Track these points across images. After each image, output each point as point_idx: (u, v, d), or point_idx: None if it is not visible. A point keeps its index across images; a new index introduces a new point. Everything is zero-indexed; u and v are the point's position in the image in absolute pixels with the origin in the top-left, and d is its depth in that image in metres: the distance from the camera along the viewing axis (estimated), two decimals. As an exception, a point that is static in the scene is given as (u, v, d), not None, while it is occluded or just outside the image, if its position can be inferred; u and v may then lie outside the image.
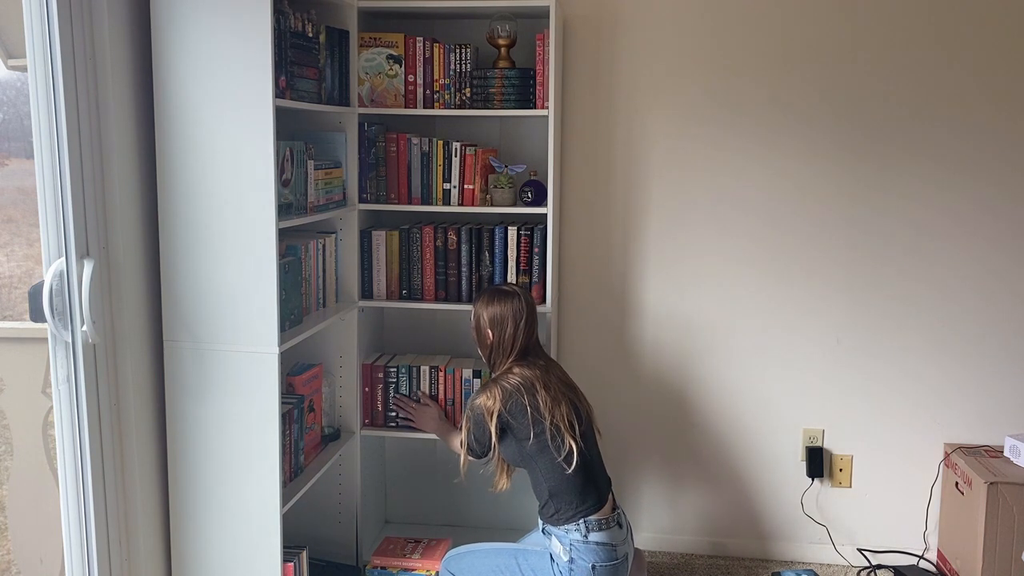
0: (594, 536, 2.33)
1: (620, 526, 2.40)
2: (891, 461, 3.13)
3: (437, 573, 2.83)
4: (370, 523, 3.14)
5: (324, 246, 2.77)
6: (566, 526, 2.35)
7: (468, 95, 2.85)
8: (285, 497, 2.41)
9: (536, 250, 2.87)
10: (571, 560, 2.32)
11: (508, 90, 2.81)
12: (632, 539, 2.47)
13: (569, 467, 2.34)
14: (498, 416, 2.38)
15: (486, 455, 2.49)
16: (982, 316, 3.03)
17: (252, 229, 2.27)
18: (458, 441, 2.61)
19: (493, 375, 2.51)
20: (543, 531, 2.45)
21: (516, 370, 2.44)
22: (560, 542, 2.36)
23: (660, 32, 3.03)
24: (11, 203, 2.51)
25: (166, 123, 2.26)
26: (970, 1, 2.89)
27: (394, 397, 2.95)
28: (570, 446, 2.34)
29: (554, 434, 2.35)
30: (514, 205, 2.89)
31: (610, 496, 2.45)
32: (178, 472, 2.37)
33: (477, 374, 2.92)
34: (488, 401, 2.40)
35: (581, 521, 2.34)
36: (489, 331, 2.51)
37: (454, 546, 2.65)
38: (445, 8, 2.87)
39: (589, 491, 2.37)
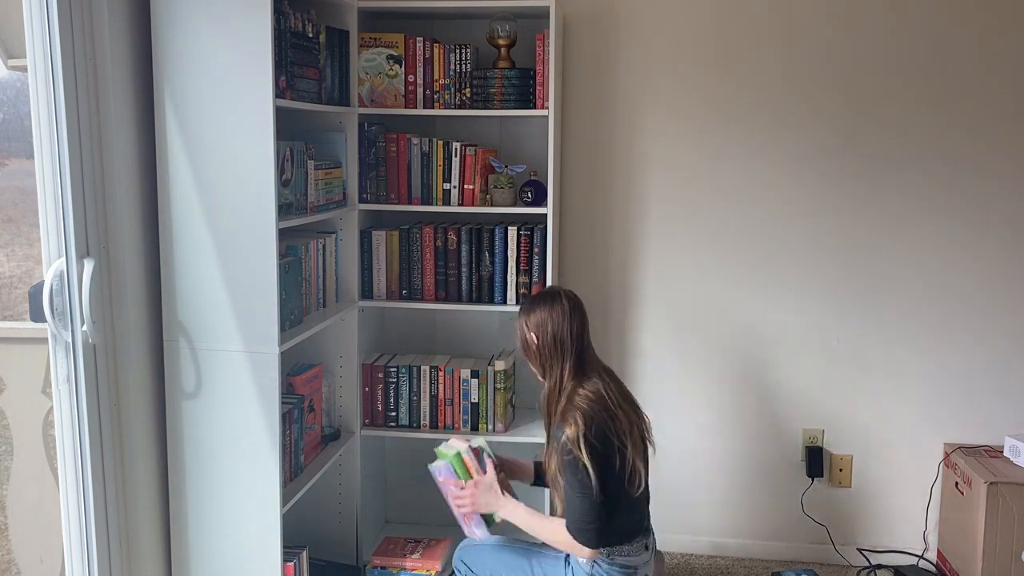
0: (620, 559, 2.25)
1: (647, 549, 2.31)
2: (891, 461, 3.13)
3: (438, 573, 2.83)
4: (370, 523, 3.14)
5: (324, 246, 2.77)
6: None
7: (468, 95, 2.85)
8: (285, 497, 2.41)
9: (536, 250, 2.87)
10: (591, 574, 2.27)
11: (508, 90, 2.81)
12: (654, 556, 2.38)
13: (635, 491, 2.20)
14: (585, 441, 2.11)
15: (596, 514, 2.14)
16: (982, 316, 3.03)
17: (252, 229, 2.27)
18: (544, 521, 2.30)
19: (557, 404, 2.27)
20: None
21: (583, 390, 2.21)
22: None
23: (660, 32, 3.03)
24: (11, 203, 2.51)
25: (166, 123, 2.26)
26: (974, 18, 2.90)
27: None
28: (640, 477, 2.20)
29: (628, 463, 2.20)
30: (514, 205, 2.89)
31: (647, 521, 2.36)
32: (178, 472, 2.37)
33: (476, 374, 2.92)
34: (571, 430, 2.13)
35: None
36: (533, 335, 2.29)
37: (454, 546, 2.64)
38: (445, 8, 2.87)
39: (635, 518, 2.27)
